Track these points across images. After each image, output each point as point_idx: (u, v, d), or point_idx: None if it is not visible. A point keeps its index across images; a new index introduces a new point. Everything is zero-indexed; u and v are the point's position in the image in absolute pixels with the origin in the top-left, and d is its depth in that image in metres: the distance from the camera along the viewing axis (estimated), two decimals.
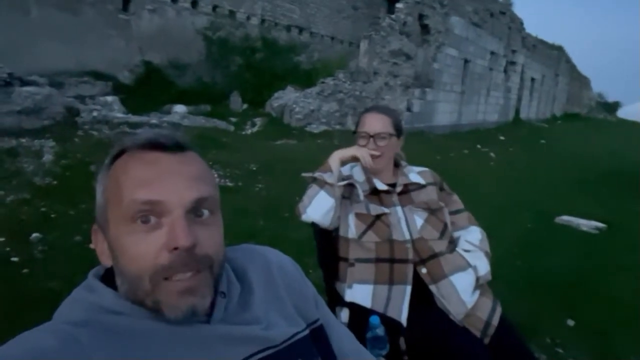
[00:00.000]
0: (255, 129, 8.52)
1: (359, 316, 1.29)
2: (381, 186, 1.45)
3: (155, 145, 0.60)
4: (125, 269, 0.58)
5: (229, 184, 4.81)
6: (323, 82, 9.38)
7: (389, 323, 1.26)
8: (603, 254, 3.72)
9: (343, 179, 1.43)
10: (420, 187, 1.50)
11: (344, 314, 1.36)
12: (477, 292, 1.36)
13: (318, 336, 0.74)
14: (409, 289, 1.32)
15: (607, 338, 2.38)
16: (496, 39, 13.79)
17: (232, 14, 12.21)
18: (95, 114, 6.12)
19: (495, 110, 15.18)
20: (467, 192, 2.75)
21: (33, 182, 3.99)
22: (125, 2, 10.03)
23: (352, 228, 1.40)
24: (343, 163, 1.44)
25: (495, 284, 1.53)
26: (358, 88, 9.31)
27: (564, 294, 2.88)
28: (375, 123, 1.46)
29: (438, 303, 1.32)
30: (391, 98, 9.55)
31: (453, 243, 1.47)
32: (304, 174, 1.48)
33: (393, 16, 9.69)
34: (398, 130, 1.48)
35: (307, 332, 0.71)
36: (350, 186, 1.45)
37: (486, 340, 1.27)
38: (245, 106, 10.31)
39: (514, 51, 15.30)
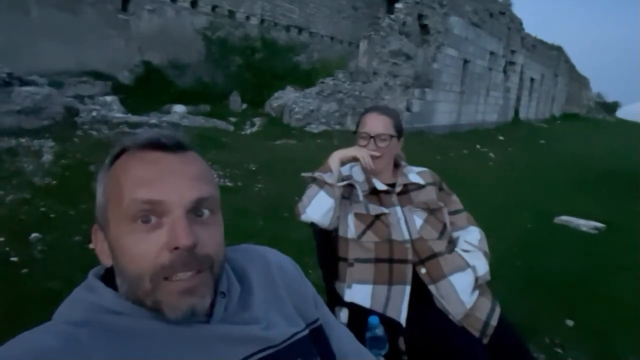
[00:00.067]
0: (254, 129, 8.51)
1: (358, 316, 1.29)
2: (380, 186, 1.45)
3: (156, 145, 0.60)
4: (125, 269, 0.58)
5: (229, 184, 4.81)
6: (322, 82, 9.38)
7: (388, 323, 1.26)
8: (603, 254, 3.72)
9: (342, 179, 1.43)
10: (420, 187, 1.50)
11: (344, 314, 1.36)
12: (476, 292, 1.36)
13: (318, 336, 0.74)
14: (408, 289, 1.32)
15: (606, 338, 2.38)
16: (495, 39, 13.80)
17: (231, 14, 12.22)
18: (94, 114, 6.11)
19: (495, 111, 15.19)
20: (467, 192, 2.75)
21: (32, 182, 3.99)
22: (124, 2, 10.04)
23: (351, 228, 1.40)
24: (343, 163, 1.44)
25: (495, 284, 1.53)
26: (358, 88, 9.31)
27: (564, 294, 2.88)
28: (377, 124, 1.46)
29: (437, 303, 1.32)
30: (391, 98, 9.56)
31: (452, 243, 1.47)
32: (303, 174, 1.48)
33: (392, 16, 9.70)
34: (399, 132, 1.49)
35: (306, 332, 0.71)
36: (350, 186, 1.44)
37: (485, 341, 1.27)
38: (244, 106, 10.30)
39: (513, 51, 15.31)
